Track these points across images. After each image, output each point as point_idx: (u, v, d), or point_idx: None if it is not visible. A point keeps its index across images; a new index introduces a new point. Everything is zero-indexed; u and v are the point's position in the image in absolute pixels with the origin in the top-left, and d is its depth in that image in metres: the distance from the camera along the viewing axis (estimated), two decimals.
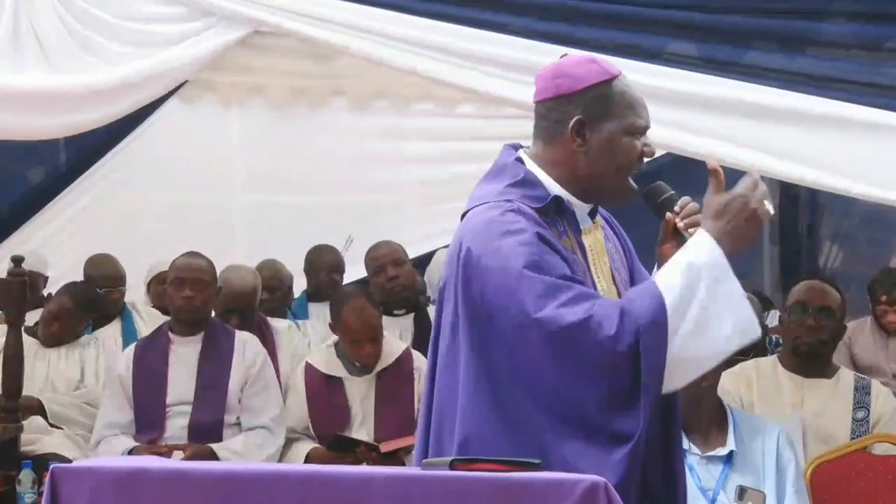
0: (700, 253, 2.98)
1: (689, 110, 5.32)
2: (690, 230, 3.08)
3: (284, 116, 8.24)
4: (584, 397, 2.93)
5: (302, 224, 8.50)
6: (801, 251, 9.85)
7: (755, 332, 2.98)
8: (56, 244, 8.47)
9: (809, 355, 5.21)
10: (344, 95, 8.01)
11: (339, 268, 7.70)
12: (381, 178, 8.80)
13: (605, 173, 3.14)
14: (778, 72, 5.47)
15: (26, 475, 5.44)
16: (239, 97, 7.98)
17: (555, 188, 3.16)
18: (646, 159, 3.17)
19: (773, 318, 7.15)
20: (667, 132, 5.34)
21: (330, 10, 5.67)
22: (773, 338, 6.65)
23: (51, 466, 2.81)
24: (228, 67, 7.07)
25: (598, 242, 3.22)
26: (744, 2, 5.59)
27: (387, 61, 5.77)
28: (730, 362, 4.82)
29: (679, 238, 3.10)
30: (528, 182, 3.16)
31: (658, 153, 7.04)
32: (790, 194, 9.67)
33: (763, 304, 6.84)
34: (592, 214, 3.24)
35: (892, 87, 5.37)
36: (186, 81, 7.03)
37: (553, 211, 3.14)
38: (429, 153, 8.70)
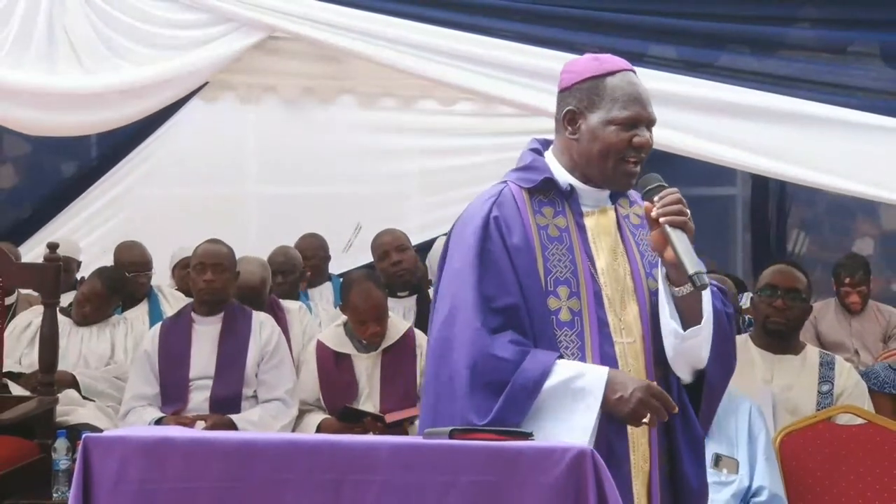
0: (593, 383, 3.00)
1: (670, 109, 5.29)
2: (662, 219, 3.08)
3: (296, 113, 8.24)
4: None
5: (312, 213, 8.50)
6: (771, 238, 9.83)
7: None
8: (88, 232, 8.48)
9: (778, 334, 5.20)
10: (351, 94, 8.00)
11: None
12: (386, 170, 8.79)
13: (592, 159, 3.18)
14: (750, 73, 5.48)
15: (61, 443, 5.43)
16: (255, 96, 7.97)
17: (562, 173, 3.22)
18: (643, 150, 3.15)
19: (746, 299, 7.14)
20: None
21: (339, 16, 5.66)
22: (746, 318, 6.64)
23: (83, 435, 2.80)
24: (246, 69, 7.07)
25: (604, 225, 3.23)
26: (718, 9, 5.59)
27: (391, 63, 5.76)
28: None
29: (658, 226, 3.11)
30: (530, 167, 3.24)
31: None
32: (761, 185, 9.66)
33: (736, 286, 6.84)
34: (614, 198, 3.24)
35: (854, 87, 5.38)
36: (207, 82, 7.03)
37: (555, 192, 3.20)
38: (430, 147, 8.70)
